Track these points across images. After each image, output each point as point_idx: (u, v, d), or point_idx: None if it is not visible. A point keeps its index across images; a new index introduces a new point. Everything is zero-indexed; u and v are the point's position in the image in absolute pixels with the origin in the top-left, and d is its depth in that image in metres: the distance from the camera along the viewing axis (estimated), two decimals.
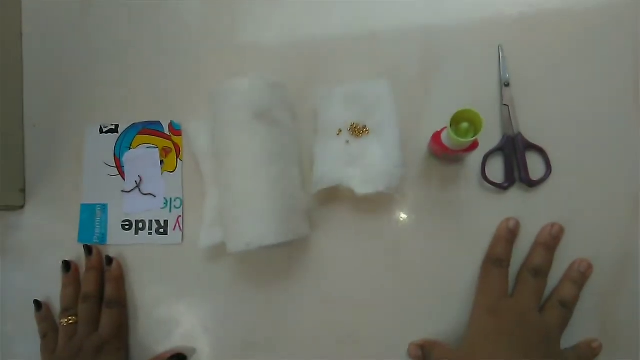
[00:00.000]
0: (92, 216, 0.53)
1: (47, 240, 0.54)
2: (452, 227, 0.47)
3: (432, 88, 0.49)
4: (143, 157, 0.53)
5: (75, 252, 0.53)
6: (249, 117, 0.43)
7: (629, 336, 0.44)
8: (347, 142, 0.47)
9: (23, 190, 0.55)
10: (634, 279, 0.45)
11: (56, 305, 0.52)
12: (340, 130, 0.48)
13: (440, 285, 0.47)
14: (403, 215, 0.48)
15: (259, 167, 0.43)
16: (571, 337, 0.44)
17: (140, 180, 0.52)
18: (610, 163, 0.46)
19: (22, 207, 0.55)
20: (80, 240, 0.53)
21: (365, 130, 0.47)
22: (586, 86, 0.47)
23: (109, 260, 0.51)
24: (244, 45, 0.53)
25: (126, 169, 0.53)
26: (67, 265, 0.52)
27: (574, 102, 0.47)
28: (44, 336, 0.51)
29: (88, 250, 0.52)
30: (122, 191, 0.53)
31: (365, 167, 0.46)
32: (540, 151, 0.46)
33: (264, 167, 0.43)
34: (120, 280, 0.51)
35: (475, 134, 0.39)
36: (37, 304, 0.52)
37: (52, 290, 0.52)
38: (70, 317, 0.49)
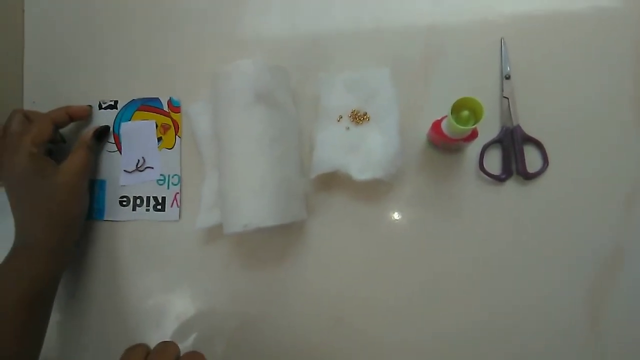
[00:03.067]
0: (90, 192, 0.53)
1: None
2: (448, 217, 0.48)
3: (434, 79, 0.49)
4: (140, 129, 0.53)
5: None
6: (251, 98, 0.43)
7: (618, 330, 0.45)
8: (347, 128, 0.48)
9: None
10: (625, 272, 0.45)
11: None
12: (340, 117, 0.48)
13: (435, 274, 0.47)
14: (400, 203, 0.49)
15: (259, 150, 0.43)
16: (561, 331, 0.45)
17: (143, 161, 0.52)
18: (605, 158, 0.46)
19: None
20: None
21: (366, 117, 0.47)
22: (585, 82, 0.47)
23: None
24: (247, 32, 0.53)
25: (123, 141, 0.53)
26: None
27: (572, 97, 0.47)
28: None
29: None
30: (124, 170, 0.53)
31: (364, 153, 0.46)
32: (538, 144, 0.47)
33: (264, 149, 0.43)
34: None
35: (476, 122, 0.39)
36: None
37: None
38: None
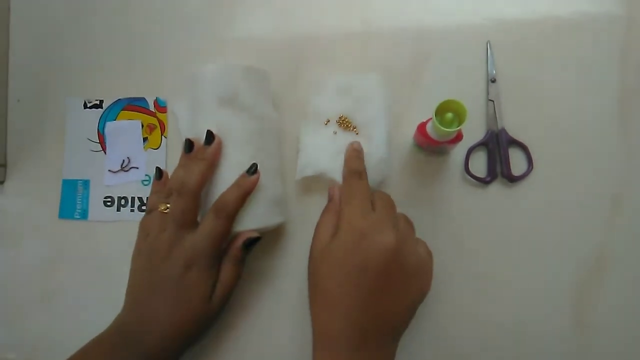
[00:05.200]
0: (73, 192, 0.52)
1: (27, 216, 0.53)
2: (434, 219, 0.48)
3: (421, 82, 0.50)
4: (125, 129, 0.52)
5: (55, 228, 0.52)
6: (214, 103, 0.42)
7: (603, 330, 0.45)
8: (335, 133, 0.48)
9: (4, 166, 0.54)
10: (610, 274, 0.46)
11: None
12: (328, 120, 0.48)
13: None
14: None
15: (223, 155, 0.42)
16: (544, 330, 0.45)
17: (129, 161, 0.52)
18: (590, 161, 0.47)
19: (2, 182, 0.54)
20: (60, 216, 0.52)
21: (353, 127, 0.47)
22: (570, 86, 0.48)
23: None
24: (235, 33, 0.53)
25: (108, 141, 0.53)
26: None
27: (557, 100, 0.48)
28: (149, 211, 0.44)
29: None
30: (109, 170, 0.52)
31: None
32: (523, 147, 0.47)
33: (227, 153, 0.42)
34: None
35: (460, 124, 0.39)
36: (159, 171, 0.46)
37: (31, 267, 0.52)
38: (169, 205, 0.42)
